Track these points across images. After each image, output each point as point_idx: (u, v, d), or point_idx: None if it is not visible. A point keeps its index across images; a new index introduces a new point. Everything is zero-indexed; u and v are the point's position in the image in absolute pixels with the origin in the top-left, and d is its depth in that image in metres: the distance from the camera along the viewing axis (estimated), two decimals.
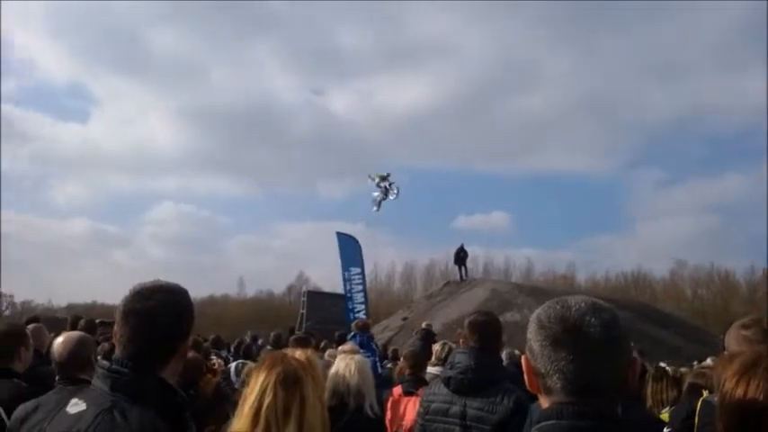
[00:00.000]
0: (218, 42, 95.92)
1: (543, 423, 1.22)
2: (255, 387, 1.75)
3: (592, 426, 1.17)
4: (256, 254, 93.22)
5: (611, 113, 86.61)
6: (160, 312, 1.63)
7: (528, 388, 1.31)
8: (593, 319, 1.22)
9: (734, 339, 2.34)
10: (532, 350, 1.27)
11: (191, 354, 4.56)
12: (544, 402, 1.27)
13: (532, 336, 1.27)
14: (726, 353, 1.38)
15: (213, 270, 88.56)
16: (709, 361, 8.52)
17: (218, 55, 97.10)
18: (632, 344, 1.30)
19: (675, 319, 29.34)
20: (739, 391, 1.17)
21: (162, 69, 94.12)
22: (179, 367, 1.71)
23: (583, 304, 1.26)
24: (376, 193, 25.04)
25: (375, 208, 24.49)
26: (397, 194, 25.23)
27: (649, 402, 5.75)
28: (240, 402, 1.77)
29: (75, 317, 8.76)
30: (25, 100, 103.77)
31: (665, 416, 4.22)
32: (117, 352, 1.63)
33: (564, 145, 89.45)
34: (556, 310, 1.26)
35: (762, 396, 1.13)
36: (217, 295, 71.52)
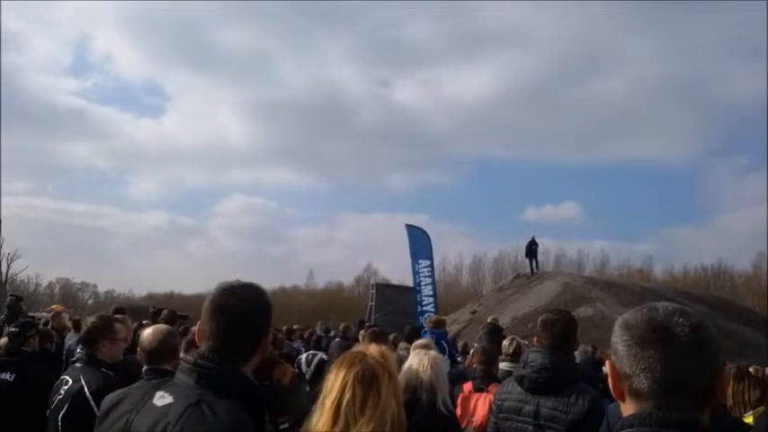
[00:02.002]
0: (285, 36, 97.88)
1: (627, 430, 1.20)
2: (336, 384, 1.80)
3: None
4: (324, 245, 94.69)
5: (694, 98, 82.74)
6: (245, 309, 1.70)
7: (613, 394, 1.29)
8: (680, 320, 1.22)
9: None
10: (618, 352, 1.26)
11: None
12: (628, 409, 1.24)
13: (618, 338, 1.27)
14: None
15: (283, 261, 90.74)
16: None
17: (286, 48, 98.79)
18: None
19: (759, 315, 27.88)
20: None
21: (231, 64, 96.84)
22: (257, 363, 1.78)
23: (671, 307, 1.26)
24: None
25: None
26: None
27: (730, 403, 5.51)
28: (320, 399, 1.82)
29: (157, 308, 9.18)
30: (101, 97, 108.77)
31: (748, 419, 4.03)
32: (202, 347, 1.70)
33: (643, 131, 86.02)
34: (643, 313, 1.26)
35: None
36: (287, 286, 73.20)
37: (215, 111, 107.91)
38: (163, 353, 3.25)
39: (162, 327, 3.56)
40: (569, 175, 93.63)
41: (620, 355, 1.25)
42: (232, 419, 1.52)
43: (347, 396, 1.75)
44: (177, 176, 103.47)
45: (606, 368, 1.33)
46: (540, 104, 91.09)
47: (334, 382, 1.81)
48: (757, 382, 5.35)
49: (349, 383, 1.77)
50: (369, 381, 1.78)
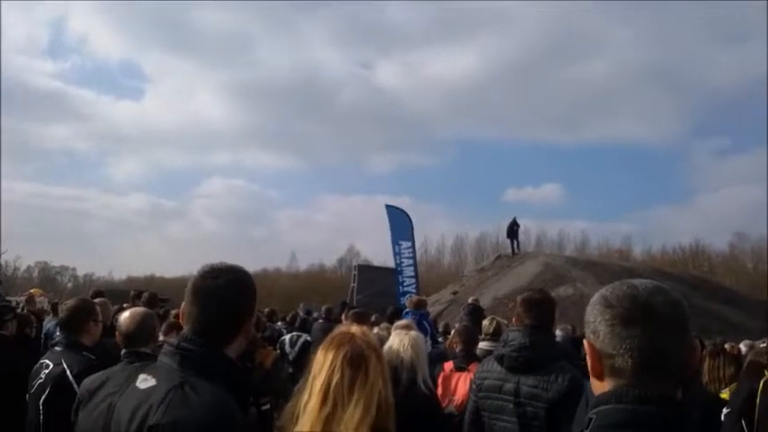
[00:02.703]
0: (265, 17, 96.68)
1: (602, 407, 1.21)
2: (325, 366, 1.79)
3: (653, 411, 1.16)
4: (306, 227, 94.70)
5: (676, 81, 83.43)
6: (228, 291, 1.69)
7: (590, 373, 1.30)
8: (661, 297, 1.22)
9: None
10: (598, 332, 1.25)
11: None
12: (605, 386, 1.24)
13: (598, 317, 1.25)
14: None
15: (265, 243, 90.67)
16: None
17: (266, 30, 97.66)
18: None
19: (735, 293, 28.42)
20: None
21: (211, 46, 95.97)
22: (242, 346, 1.77)
23: (649, 284, 1.26)
24: None
25: None
26: None
27: (706, 379, 5.64)
28: (309, 380, 1.81)
29: (138, 291, 9.12)
30: (80, 79, 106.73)
31: (724, 395, 4.12)
32: (185, 329, 1.69)
33: (624, 114, 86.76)
34: (623, 290, 1.25)
35: None
36: (269, 269, 73.01)
37: (195, 93, 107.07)
38: (141, 336, 3.23)
39: (140, 309, 3.53)
40: (550, 157, 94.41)
41: (601, 335, 1.24)
42: (215, 401, 1.51)
43: (336, 377, 1.74)
44: (158, 159, 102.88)
45: (585, 347, 1.34)
46: (521, 86, 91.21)
47: (323, 363, 1.80)
48: (732, 359, 5.48)
49: (338, 365, 1.76)
50: (357, 362, 1.77)
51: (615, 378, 1.23)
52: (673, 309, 1.21)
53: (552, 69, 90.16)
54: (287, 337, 6.64)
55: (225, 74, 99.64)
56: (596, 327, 1.25)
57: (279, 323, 11.17)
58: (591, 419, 1.22)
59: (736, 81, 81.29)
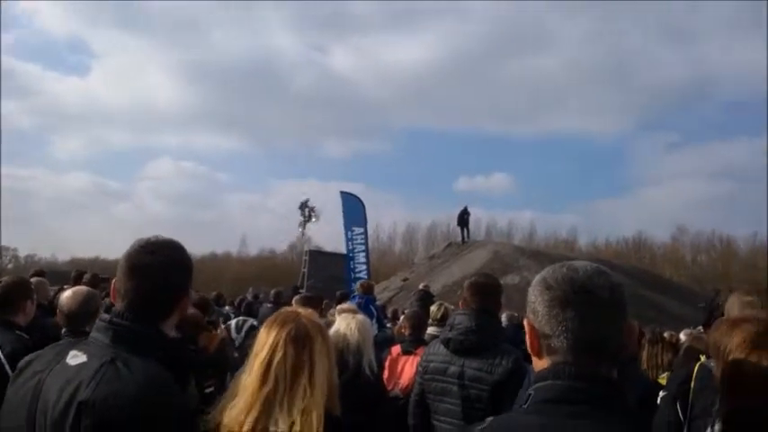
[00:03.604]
0: None
1: (540, 383, 1.23)
2: (267, 343, 1.75)
3: (588, 387, 1.18)
4: (257, 211, 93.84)
5: (624, 76, 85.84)
6: (163, 267, 1.64)
7: (529, 350, 1.31)
8: (600, 281, 1.23)
9: (736, 305, 2.35)
10: (537, 312, 1.26)
11: (191, 310, 4.59)
12: (543, 364, 1.27)
13: (538, 297, 1.27)
14: (726, 318, 1.36)
15: (214, 227, 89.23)
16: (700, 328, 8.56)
17: (219, 10, 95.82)
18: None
19: (675, 284, 29.52)
20: (749, 365, 1.15)
21: (162, 24, 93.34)
22: (176, 322, 1.71)
23: (589, 267, 1.27)
24: (300, 217, 27.25)
25: (300, 229, 26.44)
26: (317, 219, 28.71)
27: (644, 366, 5.82)
28: (250, 358, 1.77)
29: (79, 272, 8.84)
30: (24, 53, 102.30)
31: (662, 380, 4.26)
32: (117, 305, 1.63)
33: (574, 107, 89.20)
34: (563, 273, 1.26)
35: None
36: (218, 252, 72.04)
37: (145, 71, 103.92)
38: (82, 316, 3.13)
39: (82, 289, 3.43)
40: (501, 147, 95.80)
41: (539, 315, 1.26)
42: (149, 376, 1.46)
43: (279, 355, 1.71)
44: (103, 137, 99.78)
45: (525, 326, 1.36)
46: (474, 77, 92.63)
47: (266, 340, 1.76)
48: (670, 346, 5.67)
49: (281, 342, 1.73)
50: (302, 340, 1.74)
51: (553, 356, 1.24)
52: (610, 293, 1.22)
53: (505, 61, 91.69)
54: (233, 322, 6.54)
55: (176, 53, 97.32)
56: (535, 307, 1.27)
57: (226, 307, 11.02)
58: (530, 395, 1.24)
59: (682, 78, 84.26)
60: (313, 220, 26.61)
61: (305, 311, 1.88)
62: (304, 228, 25.43)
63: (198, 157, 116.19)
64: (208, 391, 3.68)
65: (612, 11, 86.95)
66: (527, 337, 1.31)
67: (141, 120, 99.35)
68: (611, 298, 1.22)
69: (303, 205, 27.57)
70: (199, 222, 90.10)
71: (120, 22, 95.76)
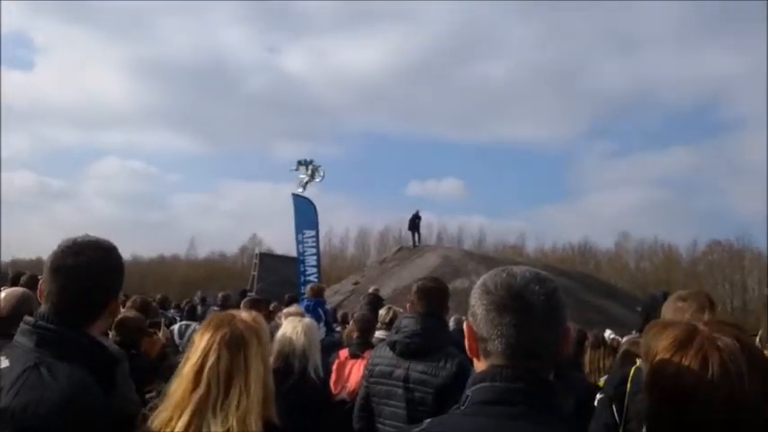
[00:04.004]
0: None
1: (479, 385, 1.25)
2: (199, 347, 1.71)
3: (523, 388, 1.20)
4: (208, 213, 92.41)
5: (568, 86, 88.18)
6: (90, 268, 1.58)
7: (468, 352, 1.33)
8: (537, 287, 1.26)
9: (670, 310, 2.43)
10: (476, 315, 1.29)
11: (132, 313, 4.48)
12: (481, 366, 1.29)
13: (477, 301, 1.29)
14: (657, 321, 1.41)
15: (162, 229, 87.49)
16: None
17: (170, 5, 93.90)
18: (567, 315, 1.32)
19: (618, 289, 30.35)
20: (672, 367, 1.18)
21: (110, 18, 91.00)
22: (107, 325, 1.66)
23: (527, 273, 1.30)
24: (302, 176, 25.98)
25: (300, 189, 25.34)
26: (323, 177, 26.27)
27: (587, 369, 5.96)
28: (182, 362, 1.73)
29: (17, 273, 8.50)
30: None
31: (601, 383, 4.37)
32: (42, 308, 1.58)
33: (522, 114, 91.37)
34: (502, 278, 1.29)
35: (694, 374, 1.14)
36: (166, 255, 70.55)
37: (91, 67, 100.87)
38: (16, 318, 2.98)
39: (16, 290, 3.29)
40: (452, 153, 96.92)
41: (478, 319, 1.28)
42: (72, 382, 1.41)
43: (211, 359, 1.67)
44: (47, 134, 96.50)
45: (464, 328, 1.38)
46: (425, 82, 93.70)
47: (199, 344, 1.72)
48: (612, 350, 5.83)
49: (214, 346, 1.69)
50: (236, 344, 1.71)
51: (490, 359, 1.27)
52: (546, 299, 1.25)
53: (456, 66, 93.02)
54: (176, 327, 6.39)
55: (124, 49, 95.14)
56: (475, 310, 1.29)
57: (171, 311, 10.78)
58: (467, 397, 1.26)
59: (625, 88, 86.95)
60: (317, 179, 25.22)
61: (243, 314, 1.85)
62: (304, 188, 24.17)
63: (146, 156, 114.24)
64: (149, 396, 3.59)
65: (560, 19, 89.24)
66: (466, 339, 1.33)
67: (87, 117, 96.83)
68: (546, 305, 1.24)
69: (304, 162, 25.89)
70: (147, 224, 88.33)
71: (66, 15, 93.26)
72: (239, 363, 1.69)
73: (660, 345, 1.23)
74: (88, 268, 1.58)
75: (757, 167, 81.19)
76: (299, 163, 25.69)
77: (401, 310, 5.38)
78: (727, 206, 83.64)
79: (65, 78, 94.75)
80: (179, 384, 1.67)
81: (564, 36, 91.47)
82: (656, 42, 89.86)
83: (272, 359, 3.27)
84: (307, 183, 25.78)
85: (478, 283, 1.33)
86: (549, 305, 1.25)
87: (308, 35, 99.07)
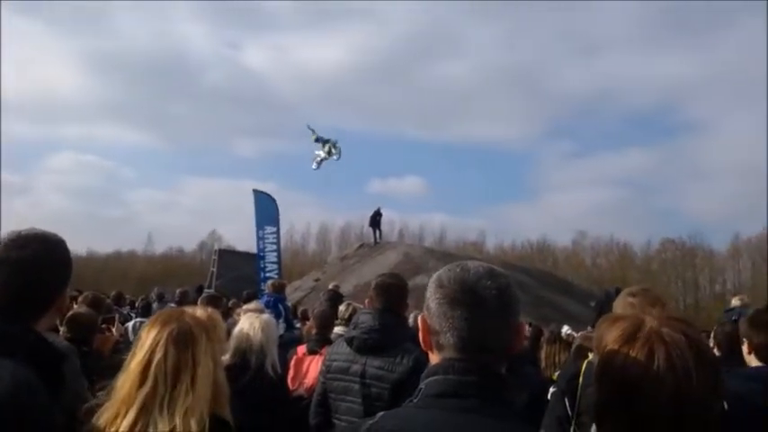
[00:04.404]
0: None
1: (432, 378, 1.26)
2: (146, 343, 1.67)
3: (476, 381, 1.22)
4: (166, 209, 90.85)
5: (529, 86, 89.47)
6: (35, 262, 1.53)
7: (422, 345, 1.35)
8: (489, 282, 1.27)
9: (621, 305, 2.50)
10: (430, 309, 1.30)
11: (84, 309, 4.36)
12: (434, 359, 1.30)
13: (431, 295, 1.31)
14: (608, 315, 1.44)
15: (119, 224, 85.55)
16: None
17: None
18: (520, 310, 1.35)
19: (575, 286, 30.95)
20: (619, 358, 1.20)
21: (64, 9, 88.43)
22: (54, 321, 1.62)
23: (481, 268, 1.31)
24: (318, 152, 25.02)
25: (314, 166, 24.41)
26: (339, 156, 25.39)
27: (543, 364, 6.07)
28: (128, 358, 1.69)
29: None
30: None
31: (555, 377, 4.46)
32: None
33: (483, 114, 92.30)
34: (456, 273, 1.31)
35: (640, 365, 1.16)
36: (123, 251, 69.07)
37: (44, 59, 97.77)
38: None
39: None
40: (413, 151, 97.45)
41: (431, 312, 1.30)
42: (16, 381, 1.37)
43: (158, 355, 1.64)
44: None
45: (419, 321, 1.39)
46: (387, 80, 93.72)
47: (145, 340, 1.68)
48: (567, 345, 5.95)
49: (161, 342, 1.66)
50: (184, 341, 1.68)
51: (443, 352, 1.28)
52: (498, 293, 1.27)
53: (418, 66, 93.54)
54: (131, 324, 6.26)
55: (80, 42, 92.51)
56: (429, 304, 1.31)
57: (126, 308, 10.56)
58: (420, 390, 1.27)
59: (585, 89, 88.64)
60: (334, 157, 24.28)
61: (197, 311, 1.82)
62: (318, 166, 23.23)
63: (102, 151, 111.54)
64: (100, 394, 3.51)
65: (522, 20, 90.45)
66: (420, 332, 1.34)
67: (41, 110, 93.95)
68: (499, 299, 1.26)
69: (322, 140, 24.78)
70: (103, 219, 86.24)
71: (19, 8, 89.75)
72: (187, 359, 1.66)
73: (610, 337, 1.25)
74: (33, 262, 1.53)
75: (710, 169, 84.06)
76: (317, 140, 25.03)
77: (361, 306, 5.39)
78: (680, 206, 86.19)
79: (19, 72, 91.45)
80: (125, 381, 1.64)
81: (525, 37, 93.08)
82: (616, 44, 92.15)
83: (228, 355, 3.25)
84: (322, 160, 25.15)
85: (433, 277, 1.35)
86: (502, 300, 1.27)
87: (269, 32, 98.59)
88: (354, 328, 3.29)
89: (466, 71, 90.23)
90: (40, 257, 1.55)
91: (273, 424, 3.22)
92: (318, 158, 24.90)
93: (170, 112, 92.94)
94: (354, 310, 5.12)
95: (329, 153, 24.65)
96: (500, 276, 1.31)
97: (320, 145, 25.13)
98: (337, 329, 4.86)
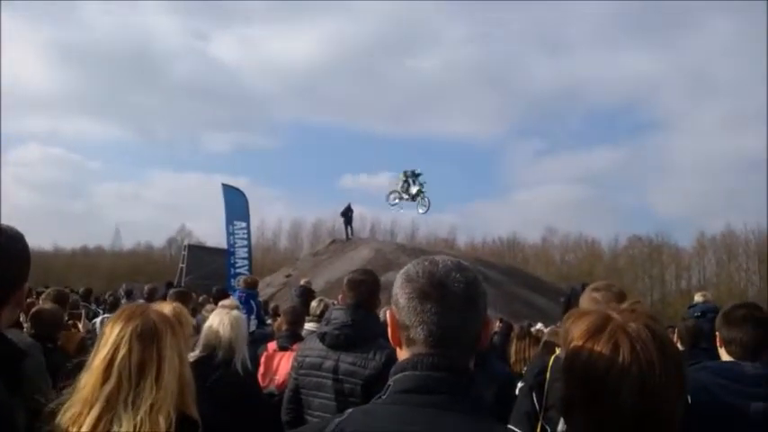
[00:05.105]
0: None
1: (400, 374, 1.25)
2: (110, 340, 1.65)
3: (445, 377, 1.22)
4: (133, 204, 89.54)
5: (499, 83, 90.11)
6: None
7: (390, 341, 1.34)
8: (458, 275, 1.27)
9: (586, 300, 2.54)
10: (398, 303, 1.29)
11: (48, 305, 4.28)
12: (403, 354, 1.30)
13: (400, 289, 1.30)
14: (575, 310, 1.46)
15: (85, 219, 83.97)
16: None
17: None
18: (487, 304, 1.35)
19: (545, 282, 31.33)
20: (585, 353, 1.21)
21: (29, 1, 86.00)
22: (14, 316, 1.57)
23: (449, 262, 1.31)
24: (399, 189, 23.76)
25: (391, 200, 23.28)
26: (426, 210, 23.94)
27: (513, 359, 6.14)
28: (92, 355, 1.67)
29: None
30: None
31: (524, 372, 4.52)
32: None
33: (454, 110, 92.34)
34: (424, 266, 1.30)
35: (605, 359, 1.18)
36: (90, 246, 67.84)
37: (10, 50, 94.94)
38: None
39: None
40: (384, 147, 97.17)
41: (400, 307, 1.29)
42: None
43: (122, 352, 1.61)
44: None
45: (387, 316, 1.40)
46: (358, 75, 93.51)
47: (109, 336, 1.66)
48: (536, 341, 6.03)
49: (125, 338, 1.63)
50: (149, 336, 1.66)
51: (412, 348, 1.28)
52: (466, 287, 1.27)
53: (390, 60, 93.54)
54: (98, 320, 6.16)
55: (45, 32, 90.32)
56: (397, 299, 1.30)
57: (93, 305, 10.39)
58: (389, 386, 1.26)
59: (554, 87, 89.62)
60: (420, 210, 22.99)
61: (165, 306, 1.81)
62: (394, 204, 21.47)
63: (68, 143, 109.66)
64: (66, 392, 3.44)
65: (491, 18, 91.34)
66: (389, 327, 1.33)
67: (6, 102, 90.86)
68: (467, 292, 1.26)
69: (412, 182, 23.17)
70: (69, 213, 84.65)
71: None
72: (152, 355, 1.64)
73: (576, 332, 1.27)
74: None
75: (675, 166, 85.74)
76: (407, 179, 23.54)
77: (333, 302, 5.38)
78: (646, 203, 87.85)
79: None
80: (89, 378, 1.61)
81: (494, 34, 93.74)
82: (583, 43, 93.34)
83: (197, 351, 3.22)
84: (401, 198, 23.74)
85: (401, 272, 1.34)
86: (470, 293, 1.27)
87: (239, 23, 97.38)
88: (327, 324, 3.28)
89: (436, 67, 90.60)
90: None
91: (242, 421, 3.20)
92: (398, 196, 23.79)
93: (138, 104, 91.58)
94: (326, 306, 5.10)
95: (413, 198, 23.60)
96: (468, 270, 1.31)
97: (406, 184, 23.77)
98: (309, 326, 4.84)
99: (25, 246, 1.57)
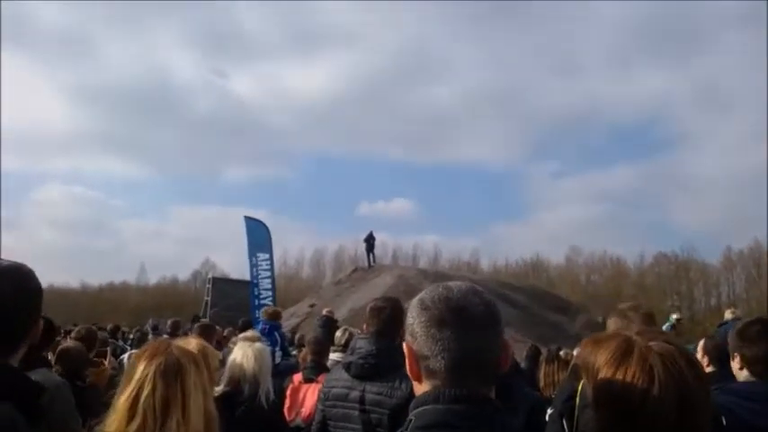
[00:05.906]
0: (111, 15, 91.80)
1: (421, 408, 1.21)
2: (134, 378, 1.66)
3: (468, 409, 1.18)
4: (157, 239, 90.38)
5: (513, 107, 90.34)
6: (5, 294, 1.48)
7: (409, 374, 1.29)
8: (475, 299, 1.25)
9: (613, 322, 2.49)
10: (415, 333, 1.25)
11: (72, 343, 4.32)
12: (423, 388, 1.25)
13: (415, 319, 1.26)
14: (591, 336, 1.41)
15: (111, 256, 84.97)
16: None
17: (113, 29, 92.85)
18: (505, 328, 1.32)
19: (571, 304, 30.86)
20: (617, 383, 1.16)
21: (51, 41, 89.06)
22: (22, 353, 1.57)
23: (463, 286, 1.28)
24: None
25: None
26: None
27: (542, 383, 6.03)
28: (116, 394, 1.68)
29: None
30: None
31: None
32: None
33: (469, 136, 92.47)
34: (439, 293, 1.26)
35: (641, 385, 1.14)
36: (116, 282, 68.60)
37: (31, 91, 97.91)
38: None
39: None
40: (401, 174, 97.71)
41: (417, 337, 1.24)
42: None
43: (146, 390, 1.62)
44: None
45: (404, 349, 1.36)
46: (373, 105, 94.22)
47: (133, 374, 1.67)
48: (566, 365, 5.91)
49: (149, 376, 1.64)
50: (172, 373, 1.66)
51: (432, 379, 1.23)
52: (484, 310, 1.24)
53: (404, 90, 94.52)
54: (125, 356, 6.20)
55: (66, 72, 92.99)
56: (414, 329, 1.26)
57: (121, 341, 10.47)
58: (410, 421, 1.21)
59: (567, 108, 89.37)
60: None
61: (191, 341, 1.81)
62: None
63: (90, 182, 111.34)
64: (96, 429, 3.45)
65: (504, 41, 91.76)
66: (407, 360, 1.28)
67: (26, 142, 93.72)
68: (485, 314, 1.24)
69: None
70: (94, 251, 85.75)
71: (4, 38, 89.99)
72: (176, 392, 1.64)
73: (600, 359, 1.22)
74: (3, 296, 1.48)
75: (696, 181, 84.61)
76: None
77: (357, 331, 5.36)
78: (668, 219, 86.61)
79: (4, 103, 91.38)
80: (114, 418, 1.62)
81: (508, 58, 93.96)
82: (597, 62, 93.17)
83: (222, 386, 3.23)
84: None
85: (414, 301, 1.30)
86: (487, 316, 1.24)
87: (255, 59, 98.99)
88: (351, 354, 3.26)
89: (450, 94, 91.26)
90: (9, 289, 1.50)
91: None
92: None
93: (157, 140, 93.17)
94: (350, 336, 5.08)
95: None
96: (482, 293, 1.28)
97: None
98: (334, 356, 4.82)
99: (37, 282, 1.58)
